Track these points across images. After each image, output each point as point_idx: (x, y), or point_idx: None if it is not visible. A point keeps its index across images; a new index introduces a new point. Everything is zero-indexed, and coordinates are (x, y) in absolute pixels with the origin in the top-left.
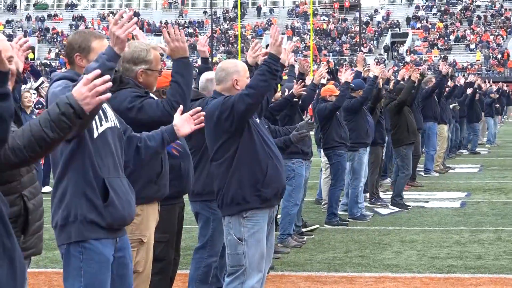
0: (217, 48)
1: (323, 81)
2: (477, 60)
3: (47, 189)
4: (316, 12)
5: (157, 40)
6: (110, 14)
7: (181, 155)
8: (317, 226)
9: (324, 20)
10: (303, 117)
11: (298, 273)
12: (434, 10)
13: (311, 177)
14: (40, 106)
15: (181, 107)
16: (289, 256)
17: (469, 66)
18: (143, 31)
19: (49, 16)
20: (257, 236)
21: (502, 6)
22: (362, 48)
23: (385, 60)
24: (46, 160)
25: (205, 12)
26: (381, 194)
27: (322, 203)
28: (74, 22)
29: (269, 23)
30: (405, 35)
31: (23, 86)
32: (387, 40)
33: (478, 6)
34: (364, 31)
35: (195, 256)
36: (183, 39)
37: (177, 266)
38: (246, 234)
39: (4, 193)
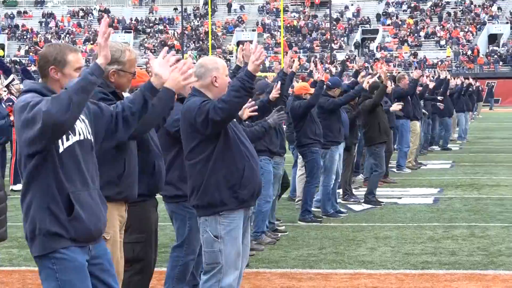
0: (187, 45)
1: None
2: (447, 57)
3: (18, 187)
4: (286, 8)
5: (127, 38)
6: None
7: (155, 154)
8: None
9: (294, 16)
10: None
11: (273, 270)
12: (404, 7)
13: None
14: (10, 103)
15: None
16: (264, 253)
17: (439, 63)
18: (113, 27)
19: (19, 13)
20: (233, 234)
21: (471, 3)
22: (332, 44)
23: (355, 56)
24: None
25: (175, 9)
26: (354, 191)
27: (296, 200)
28: (44, 19)
29: (240, 19)
30: (376, 31)
31: None
32: (357, 36)
33: (448, 3)
34: (334, 27)
35: (172, 254)
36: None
37: (154, 264)
38: (223, 231)
39: None
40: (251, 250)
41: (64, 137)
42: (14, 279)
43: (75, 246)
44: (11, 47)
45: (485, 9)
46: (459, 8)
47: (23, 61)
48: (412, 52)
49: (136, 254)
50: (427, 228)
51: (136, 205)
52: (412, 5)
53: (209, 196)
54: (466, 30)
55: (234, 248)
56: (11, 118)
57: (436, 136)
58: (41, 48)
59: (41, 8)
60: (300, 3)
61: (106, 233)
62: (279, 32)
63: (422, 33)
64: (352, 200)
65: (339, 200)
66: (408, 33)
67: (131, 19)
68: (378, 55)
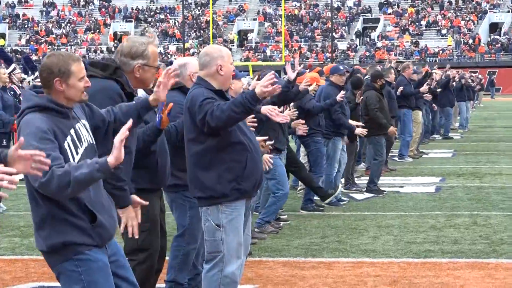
0: (188, 34)
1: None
2: (448, 46)
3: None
4: None
5: (128, 27)
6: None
7: (159, 152)
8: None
9: (295, 5)
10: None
11: (275, 258)
12: None
13: None
14: (12, 93)
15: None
16: (266, 242)
17: (441, 52)
18: (114, 18)
19: (20, 2)
20: (235, 223)
21: None
22: (334, 33)
23: (356, 45)
24: None
25: None
26: (356, 180)
27: (298, 189)
28: (45, 9)
29: (241, 8)
30: (377, 20)
31: None
32: (358, 25)
33: None
34: (335, 16)
35: (174, 244)
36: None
37: (164, 256)
38: (224, 220)
39: None
40: (254, 238)
41: (74, 151)
42: (17, 268)
43: (96, 248)
44: (12, 36)
45: None
46: None
47: (25, 51)
48: (413, 41)
49: (140, 243)
50: (429, 217)
51: (139, 195)
52: None
53: (211, 188)
54: (467, 19)
55: (236, 237)
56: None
57: (437, 125)
58: (42, 37)
59: None
60: None
61: None
62: (280, 21)
63: (423, 22)
64: (354, 189)
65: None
66: (409, 22)
67: (132, 8)
68: (379, 44)
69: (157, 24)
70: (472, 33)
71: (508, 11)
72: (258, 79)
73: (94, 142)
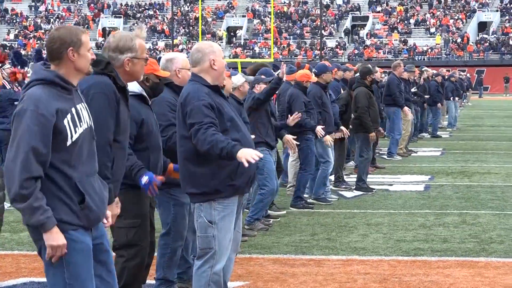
0: (177, 30)
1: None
2: (436, 44)
3: None
4: None
5: (117, 22)
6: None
7: (152, 148)
8: (284, 212)
9: (284, 2)
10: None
11: (265, 255)
12: None
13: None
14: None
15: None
16: (256, 239)
17: (429, 50)
18: (103, 12)
19: None
20: (227, 220)
21: None
22: (323, 31)
23: (345, 43)
24: None
25: None
26: (345, 177)
27: (288, 186)
28: (33, 4)
29: (230, 5)
30: (366, 18)
31: None
32: (347, 23)
33: None
34: (324, 14)
35: (160, 242)
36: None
37: (153, 251)
38: (217, 217)
39: None
40: (244, 235)
41: (73, 129)
42: (7, 263)
43: (82, 229)
44: (0, 31)
45: None
46: None
47: (13, 45)
48: (402, 39)
49: (130, 239)
50: (418, 215)
51: (129, 190)
52: None
53: (204, 184)
54: (456, 17)
55: (228, 234)
56: None
57: (425, 124)
58: (31, 32)
59: None
60: None
61: None
62: (269, 18)
63: (412, 21)
64: (343, 186)
65: (330, 187)
66: (398, 20)
67: (121, 4)
68: (368, 42)
69: (146, 20)
70: (461, 32)
71: (497, 10)
72: (253, 74)
73: (93, 128)
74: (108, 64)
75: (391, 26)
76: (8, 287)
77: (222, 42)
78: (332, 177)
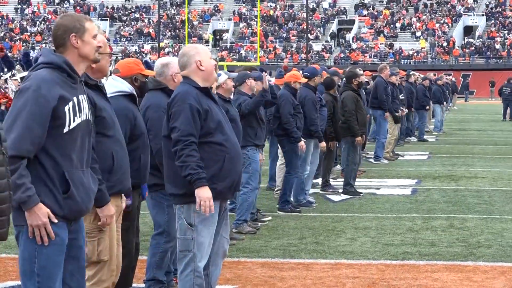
0: (163, 33)
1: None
2: (422, 48)
3: None
4: None
5: (103, 25)
6: None
7: (142, 147)
8: (269, 218)
9: (271, 6)
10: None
11: (254, 259)
12: None
13: (263, 163)
14: None
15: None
16: (244, 243)
17: (415, 54)
18: (89, 15)
19: None
20: (207, 223)
21: None
22: (309, 34)
23: (331, 47)
24: None
25: None
26: (332, 181)
27: (275, 190)
28: (19, 6)
29: (216, 8)
30: (352, 22)
31: None
32: (333, 27)
33: None
34: (311, 17)
35: (152, 242)
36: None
37: (138, 252)
38: (197, 220)
39: None
40: (232, 239)
41: (72, 117)
42: None
43: (62, 222)
44: None
45: (461, 1)
46: None
47: None
48: (388, 43)
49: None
50: (406, 219)
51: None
52: None
53: (185, 186)
54: (442, 21)
55: (208, 238)
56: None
57: (412, 127)
58: (16, 34)
59: None
60: None
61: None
62: (255, 21)
63: (398, 24)
64: (331, 190)
65: (317, 191)
66: (384, 24)
67: (107, 7)
68: (354, 45)
69: (132, 23)
70: (447, 36)
71: (483, 15)
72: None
73: (93, 122)
74: None
75: (377, 30)
76: None
77: (208, 45)
78: (319, 180)
